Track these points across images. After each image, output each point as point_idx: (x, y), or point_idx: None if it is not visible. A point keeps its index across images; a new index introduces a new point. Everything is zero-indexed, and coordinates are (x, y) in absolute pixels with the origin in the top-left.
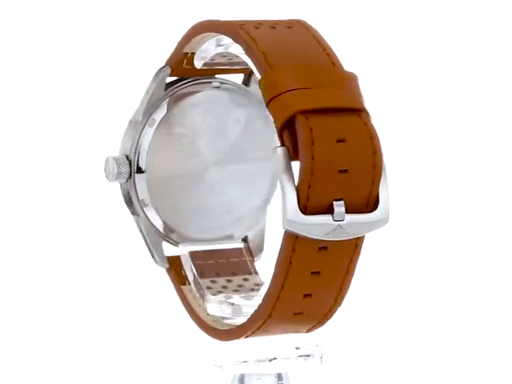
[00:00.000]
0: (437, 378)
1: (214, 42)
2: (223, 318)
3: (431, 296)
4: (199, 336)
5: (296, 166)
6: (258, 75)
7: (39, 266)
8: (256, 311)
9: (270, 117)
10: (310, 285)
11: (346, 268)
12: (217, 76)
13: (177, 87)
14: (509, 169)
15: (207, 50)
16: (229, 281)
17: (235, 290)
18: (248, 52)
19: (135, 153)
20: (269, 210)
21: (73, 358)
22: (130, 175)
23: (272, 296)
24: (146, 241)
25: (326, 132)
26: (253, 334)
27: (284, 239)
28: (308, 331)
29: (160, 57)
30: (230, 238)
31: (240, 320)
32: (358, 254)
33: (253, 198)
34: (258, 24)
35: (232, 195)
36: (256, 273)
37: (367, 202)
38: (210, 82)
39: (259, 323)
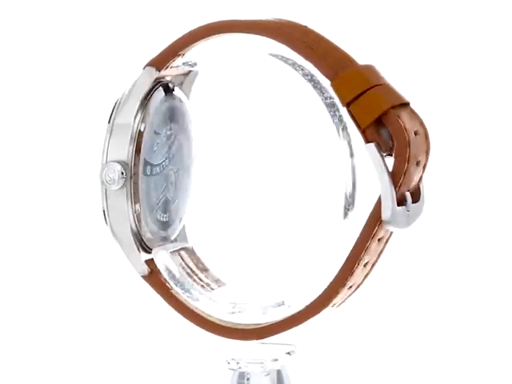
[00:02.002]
0: (436, 378)
1: (209, 43)
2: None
3: (430, 296)
4: (191, 335)
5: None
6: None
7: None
8: (309, 307)
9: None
10: (357, 276)
11: (377, 257)
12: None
13: (153, 88)
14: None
15: (197, 50)
16: (200, 279)
17: (212, 288)
18: (303, 53)
19: (132, 156)
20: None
21: (72, 359)
22: (126, 180)
23: (333, 292)
24: (129, 247)
25: (410, 126)
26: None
27: (363, 235)
28: None
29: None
30: (168, 239)
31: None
32: (387, 244)
33: (186, 200)
34: (277, 24)
35: (177, 197)
36: (207, 269)
37: (414, 192)
38: (167, 83)
39: (306, 320)
